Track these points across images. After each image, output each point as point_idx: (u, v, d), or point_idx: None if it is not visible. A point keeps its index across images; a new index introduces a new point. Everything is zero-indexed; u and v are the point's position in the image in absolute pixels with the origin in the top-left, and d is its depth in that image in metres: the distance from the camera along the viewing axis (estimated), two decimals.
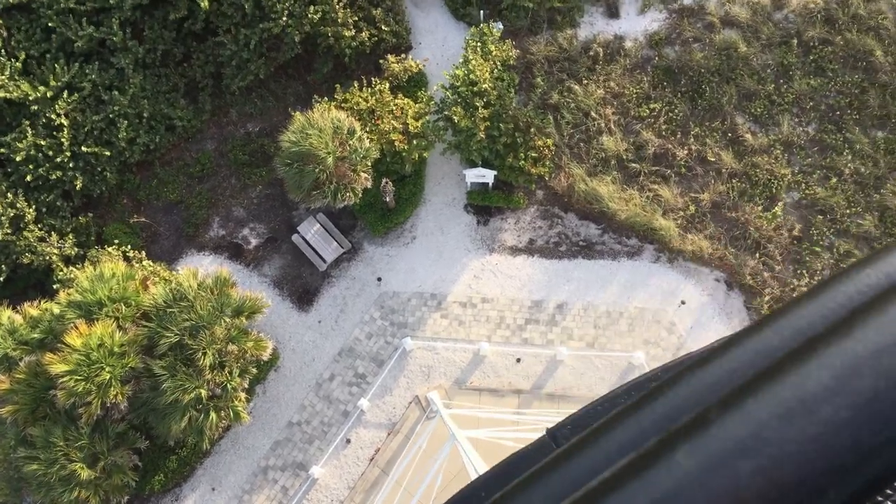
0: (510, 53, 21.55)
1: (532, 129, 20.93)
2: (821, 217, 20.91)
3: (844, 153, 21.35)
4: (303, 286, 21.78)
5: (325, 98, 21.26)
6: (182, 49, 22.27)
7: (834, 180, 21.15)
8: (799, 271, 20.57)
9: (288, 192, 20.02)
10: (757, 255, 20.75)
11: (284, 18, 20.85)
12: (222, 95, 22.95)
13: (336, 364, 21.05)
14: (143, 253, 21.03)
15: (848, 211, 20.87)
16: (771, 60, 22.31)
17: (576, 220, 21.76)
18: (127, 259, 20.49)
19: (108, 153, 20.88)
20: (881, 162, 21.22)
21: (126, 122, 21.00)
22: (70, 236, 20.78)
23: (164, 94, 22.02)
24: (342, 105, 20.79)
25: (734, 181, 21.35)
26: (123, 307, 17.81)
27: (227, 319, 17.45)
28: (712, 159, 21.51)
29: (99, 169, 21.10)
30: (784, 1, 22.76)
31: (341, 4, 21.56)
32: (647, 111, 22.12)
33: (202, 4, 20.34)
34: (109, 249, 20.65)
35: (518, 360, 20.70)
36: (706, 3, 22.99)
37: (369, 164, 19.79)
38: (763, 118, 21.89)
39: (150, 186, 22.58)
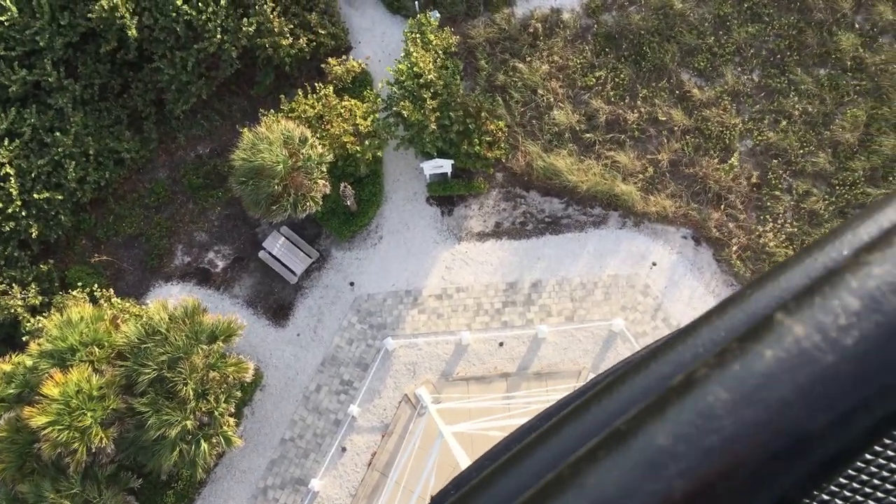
0: (451, 40, 21.47)
1: (483, 114, 20.90)
2: (776, 161, 21.17)
3: (791, 95, 21.61)
4: (276, 301, 21.61)
5: (272, 110, 21.04)
6: (119, 80, 21.88)
7: (784, 123, 21.41)
8: (762, 217, 20.83)
9: (247, 210, 19.83)
10: (719, 207, 20.97)
11: (219, 35, 20.56)
12: (167, 122, 22.61)
13: (321, 374, 20.95)
14: (111, 291, 20.70)
15: (801, 151, 21.15)
16: (707, 13, 22.47)
17: (538, 197, 21.81)
18: (94, 300, 20.17)
19: (59, 196, 20.49)
20: (827, 99, 21.51)
21: (73, 162, 20.61)
22: (32, 286, 20.39)
23: (107, 129, 21.63)
24: (289, 115, 20.59)
25: (687, 137, 21.53)
26: (97, 349, 17.55)
27: (204, 347, 17.27)
28: (663, 119, 21.66)
29: (52, 213, 20.70)
30: None
31: (275, 13, 21.31)
32: (594, 80, 22.19)
33: (130, 33, 19.96)
34: (74, 293, 20.31)
35: (501, 345, 20.74)
36: None
37: (325, 169, 19.65)
38: (707, 71, 22.07)
39: (108, 223, 22.22)
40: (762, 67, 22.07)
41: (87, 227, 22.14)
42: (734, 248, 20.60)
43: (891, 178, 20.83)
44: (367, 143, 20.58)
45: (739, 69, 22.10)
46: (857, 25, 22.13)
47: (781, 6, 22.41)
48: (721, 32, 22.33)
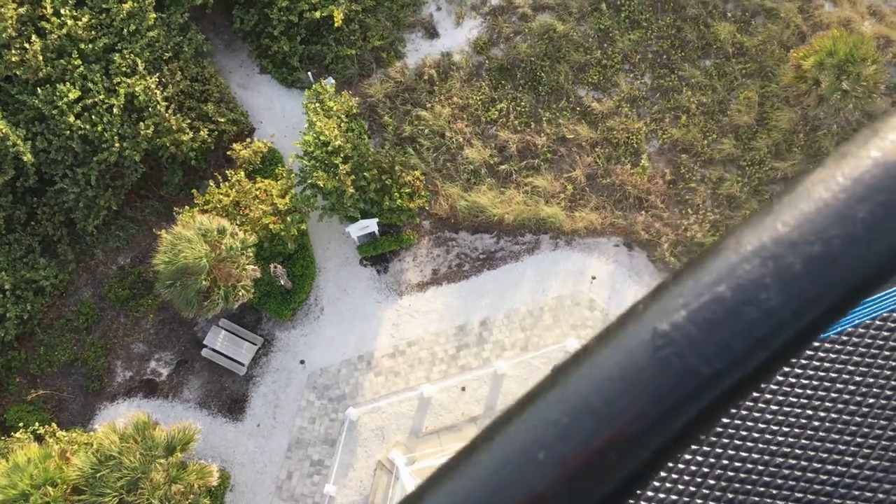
0: (350, 103, 21.65)
1: (396, 167, 21.06)
2: (685, 155, 21.83)
3: (684, 90, 22.41)
4: (229, 397, 21.05)
5: (186, 207, 20.74)
6: (24, 209, 21.31)
7: (684, 118, 22.16)
8: (684, 210, 21.39)
9: (180, 311, 19.35)
10: (642, 209, 21.46)
11: (117, 144, 20.28)
12: (81, 240, 22.05)
13: (289, 461, 20.38)
14: (54, 425, 19.83)
15: (706, 141, 21.89)
16: (589, 29, 23.25)
17: (468, 236, 21.94)
18: (39, 438, 19.27)
19: None
20: (718, 87, 22.38)
21: None
22: None
23: (20, 260, 20.97)
24: (205, 208, 20.33)
25: (597, 150, 22.05)
26: (50, 489, 16.72)
27: (162, 461, 16.64)
28: (570, 136, 22.17)
29: None
30: None
31: (170, 111, 21.14)
32: (496, 113, 22.62)
33: (26, 159, 19.53)
34: (17, 435, 19.37)
35: (463, 389, 20.60)
36: None
37: (251, 255, 19.39)
38: (602, 84, 22.75)
39: (39, 356, 21.39)
40: (652, 70, 22.87)
41: (18, 365, 21.27)
42: (665, 245, 21.05)
43: (794, 149, 21.70)
44: (288, 219, 20.44)
45: (631, 76, 22.86)
46: (729, 14, 23.20)
47: (656, 9, 23.36)
48: (606, 45, 23.10)
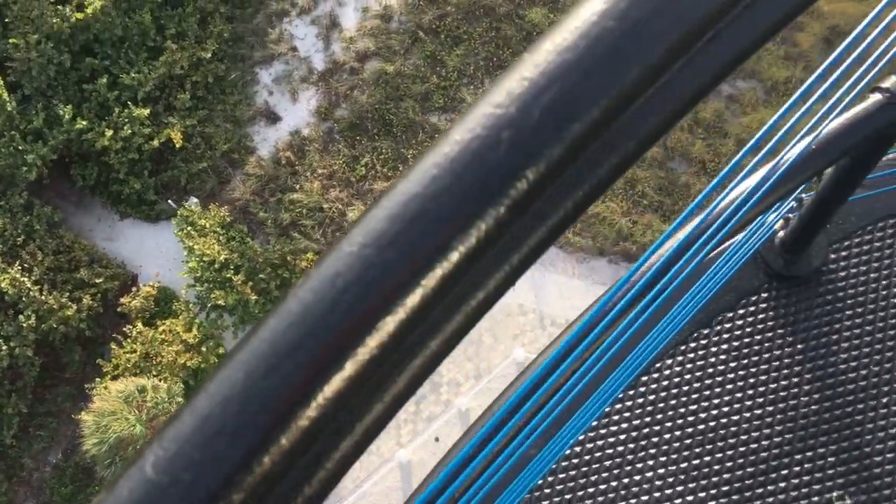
0: (221, 214, 21.31)
1: (288, 257, 20.80)
2: None
3: None
4: None
5: (98, 380, 19.80)
6: None
7: None
8: None
9: None
10: None
11: (4, 347, 19.27)
12: (5, 455, 20.73)
13: None
14: None
15: None
16: (417, 60, 23.71)
17: None
18: None
19: None
20: None
21: None
22: None
23: None
24: (116, 374, 19.49)
25: None
26: None
27: None
28: None
29: None
30: (389, 12, 24.30)
31: (45, 293, 20.25)
32: (363, 169, 22.69)
33: None
34: None
35: (437, 440, 20.36)
36: (335, 56, 24.01)
37: (181, 399, 18.69)
38: (449, 105, 23.20)
39: None
40: (489, 74, 23.49)
41: None
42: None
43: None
44: (204, 349, 19.84)
45: (472, 87, 23.40)
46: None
47: (470, 19, 24.07)
48: (438, 68, 23.59)
